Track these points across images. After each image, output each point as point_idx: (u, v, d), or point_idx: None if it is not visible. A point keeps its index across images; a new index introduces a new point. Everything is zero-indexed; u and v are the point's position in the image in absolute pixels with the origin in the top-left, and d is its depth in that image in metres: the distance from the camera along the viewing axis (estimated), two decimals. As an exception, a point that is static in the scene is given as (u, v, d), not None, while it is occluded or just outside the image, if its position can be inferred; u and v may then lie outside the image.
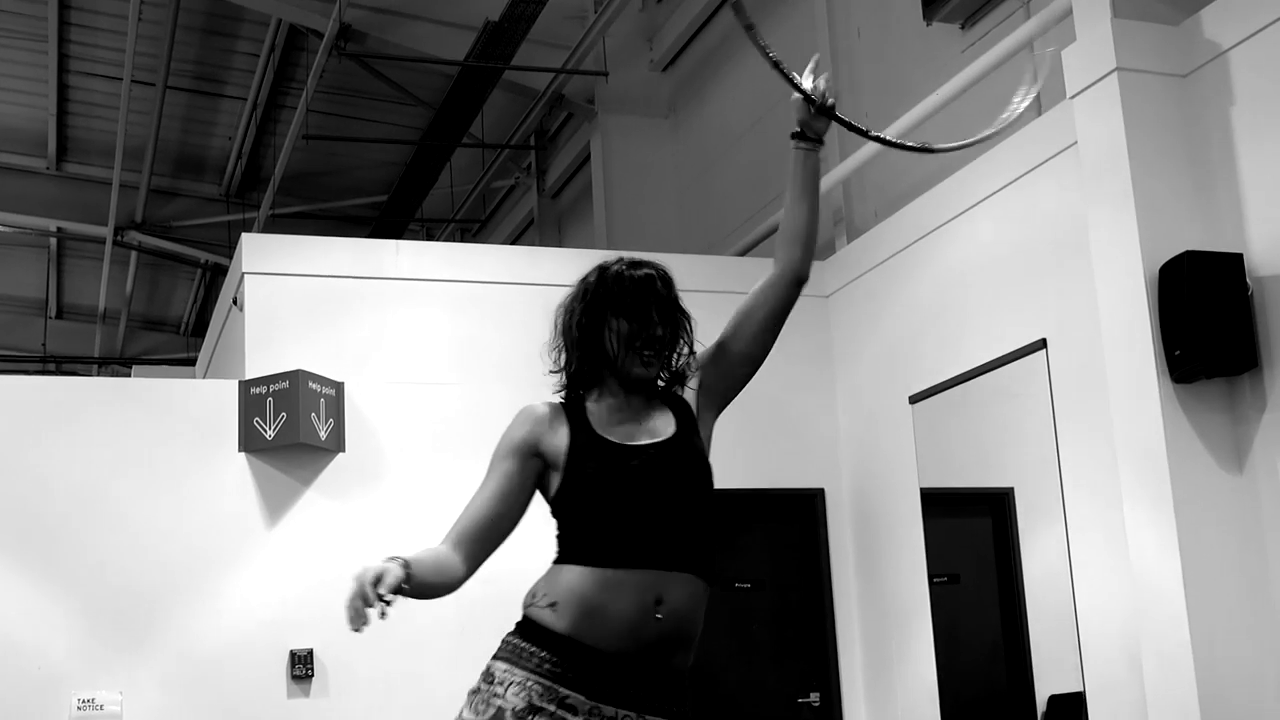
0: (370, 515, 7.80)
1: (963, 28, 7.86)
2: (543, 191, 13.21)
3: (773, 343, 3.35)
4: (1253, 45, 5.79)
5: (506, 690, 2.89)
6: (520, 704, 2.84)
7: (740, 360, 3.33)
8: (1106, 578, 6.38)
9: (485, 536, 3.11)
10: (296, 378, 7.61)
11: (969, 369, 7.42)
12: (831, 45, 9.13)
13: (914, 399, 7.85)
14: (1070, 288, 6.58)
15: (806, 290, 9.05)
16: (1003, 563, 7.55)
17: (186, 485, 7.60)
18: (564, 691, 2.87)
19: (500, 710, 2.85)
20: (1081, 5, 6.19)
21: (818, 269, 8.72)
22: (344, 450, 7.83)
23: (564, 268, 8.75)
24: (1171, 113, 6.03)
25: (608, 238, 11.19)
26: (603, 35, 10.52)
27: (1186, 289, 5.66)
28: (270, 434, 7.62)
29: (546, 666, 2.88)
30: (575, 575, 2.95)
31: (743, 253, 9.40)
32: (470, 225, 14.95)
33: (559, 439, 3.13)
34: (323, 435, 7.71)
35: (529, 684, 2.88)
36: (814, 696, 8.36)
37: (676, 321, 3.22)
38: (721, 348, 3.31)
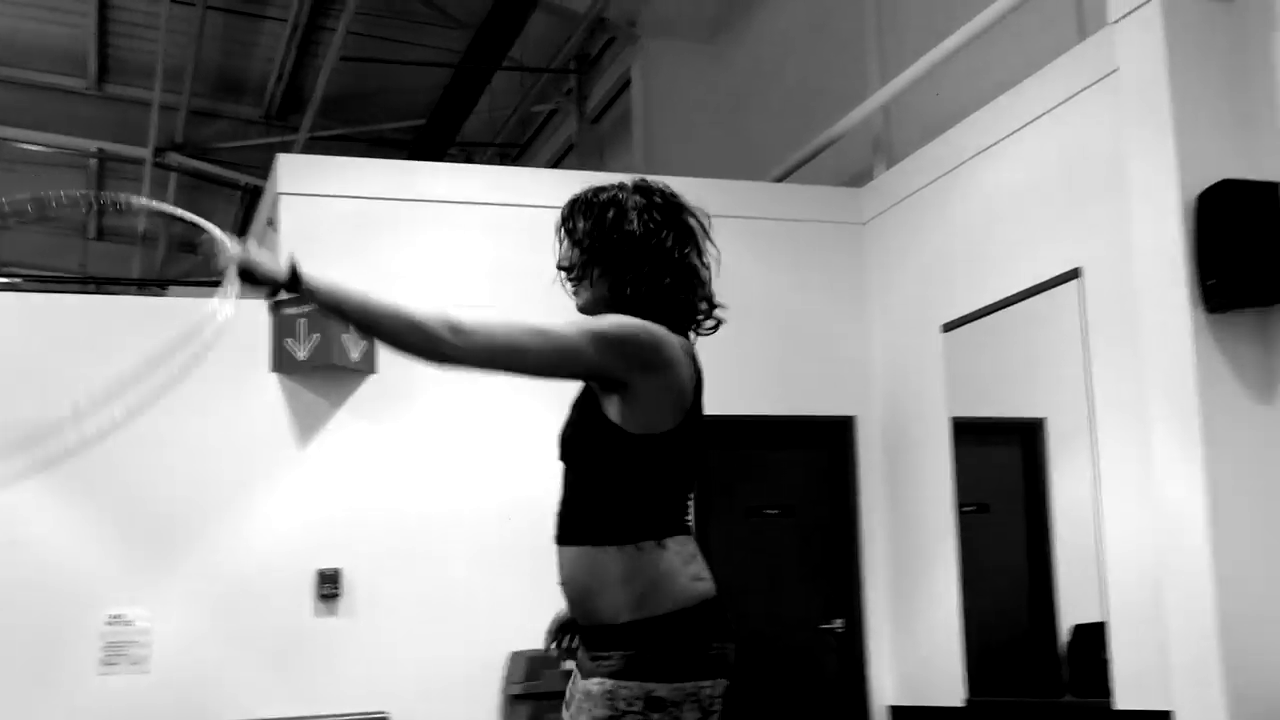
0: (401, 437, 7.84)
1: (1006, -47, 7.77)
2: (583, 116, 13.13)
3: None
4: (1297, -30, 5.73)
5: None
6: None
7: None
8: (1133, 508, 6.38)
9: None
10: (329, 298, 7.62)
11: (1002, 298, 7.40)
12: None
13: (946, 327, 7.84)
14: (1106, 217, 6.55)
15: (841, 217, 9.19)
16: (1032, 493, 7.55)
17: (217, 405, 7.63)
18: None
19: None
20: (1124, -72, 6.13)
21: (854, 195, 8.78)
22: (376, 372, 7.85)
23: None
24: (1215, 39, 5.98)
25: (646, 164, 11.14)
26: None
27: (1223, 218, 5.63)
28: (302, 355, 7.65)
29: None
30: None
31: (780, 178, 9.35)
32: (510, 150, 14.91)
33: None
34: (355, 356, 7.74)
35: None
36: (838, 622, 8.40)
37: (575, 237, 3.08)
38: None
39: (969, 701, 7.64)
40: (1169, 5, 5.90)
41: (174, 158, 14.05)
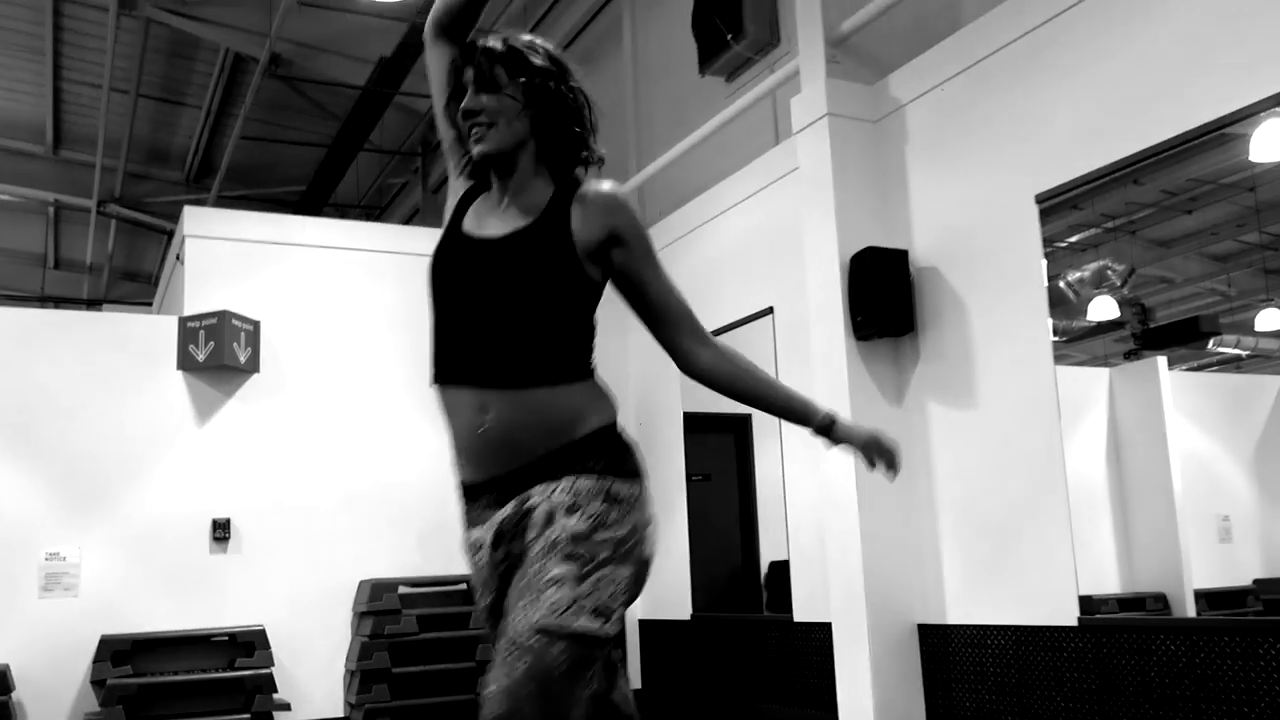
0: (278, 420, 7.67)
1: (727, 80, 7.89)
2: (426, 188, 13.01)
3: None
4: (923, 102, 5.92)
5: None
6: (470, 538, 2.19)
7: (631, 300, 2.30)
8: (806, 480, 6.52)
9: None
10: (223, 315, 7.43)
11: (720, 326, 7.46)
12: (635, 90, 9.12)
13: (681, 348, 7.90)
14: (790, 271, 6.69)
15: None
16: (741, 467, 7.66)
17: (136, 394, 7.40)
18: (465, 507, 2.21)
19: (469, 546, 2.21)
20: (806, 66, 6.26)
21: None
22: (259, 371, 7.67)
23: (434, 244, 8.71)
24: (865, 147, 6.14)
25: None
26: (470, 73, 10.38)
27: (867, 274, 5.78)
28: (201, 357, 7.43)
29: (460, 493, 2.24)
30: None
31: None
32: (373, 210, 14.65)
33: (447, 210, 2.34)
34: (243, 359, 7.54)
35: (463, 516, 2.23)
36: (602, 561, 8.41)
37: (503, 87, 2.17)
38: (640, 286, 2.26)
39: (694, 615, 7.73)
40: (834, 123, 6.06)
41: (113, 208, 13.51)
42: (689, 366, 2.26)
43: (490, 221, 2.20)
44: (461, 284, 2.15)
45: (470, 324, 2.12)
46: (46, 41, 10.74)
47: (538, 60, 2.20)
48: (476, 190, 2.30)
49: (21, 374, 7.22)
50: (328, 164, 11.86)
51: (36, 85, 11.66)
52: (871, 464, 2.31)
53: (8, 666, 6.71)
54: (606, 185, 2.21)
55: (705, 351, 2.24)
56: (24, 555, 7.00)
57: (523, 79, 2.17)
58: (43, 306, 15.23)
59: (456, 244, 2.21)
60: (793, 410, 2.28)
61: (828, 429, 2.28)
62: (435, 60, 2.32)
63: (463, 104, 2.18)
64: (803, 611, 6.55)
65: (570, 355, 2.17)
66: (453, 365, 2.13)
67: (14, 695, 6.71)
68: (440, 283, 2.19)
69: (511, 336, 2.10)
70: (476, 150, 2.18)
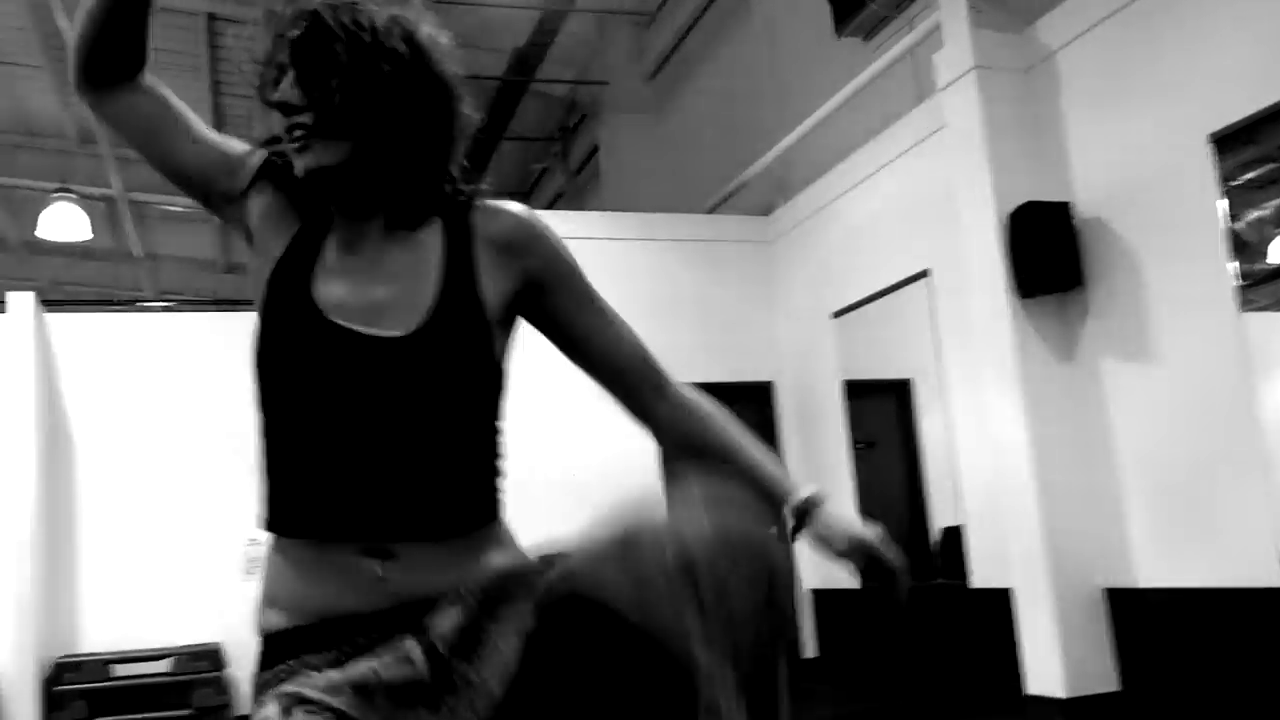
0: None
1: (865, 40, 7.58)
2: (567, 171, 12.96)
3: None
4: (1074, 47, 5.58)
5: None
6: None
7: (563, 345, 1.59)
8: (976, 441, 6.26)
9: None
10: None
11: (874, 292, 7.26)
12: (771, 56, 8.86)
13: (835, 315, 7.69)
14: (944, 232, 6.40)
15: (754, 238, 8.85)
16: (905, 432, 7.43)
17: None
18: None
19: None
20: (948, 18, 5.96)
21: (763, 222, 8.58)
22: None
23: (581, 226, 8.62)
24: (1016, 99, 5.83)
25: (613, 203, 11.00)
26: (604, 55, 10.26)
27: (1028, 229, 5.50)
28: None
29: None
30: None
31: (710, 210, 9.18)
32: (517, 196, 14.68)
33: (277, 236, 1.54)
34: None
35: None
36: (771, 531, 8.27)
37: (321, 82, 1.42)
38: (578, 338, 1.56)
39: (864, 584, 7.51)
40: (982, 75, 5.75)
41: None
42: (645, 424, 1.64)
43: (358, 278, 1.48)
44: (340, 397, 1.41)
45: (362, 455, 1.40)
46: (203, 59, 11.00)
47: (370, 44, 1.41)
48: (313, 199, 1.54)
49: (205, 374, 7.50)
50: (472, 155, 11.87)
51: (196, 103, 11.95)
52: (864, 575, 1.58)
53: (220, 645, 7.02)
54: (514, 207, 1.56)
55: (661, 405, 1.61)
56: (229, 541, 7.37)
57: (341, 77, 1.41)
58: (218, 310, 15.71)
59: (320, 333, 1.43)
60: (761, 478, 1.59)
61: (803, 515, 1.57)
62: (121, 113, 1.53)
63: (275, 93, 1.47)
64: (981, 577, 6.30)
65: (493, 485, 1.50)
66: (333, 513, 1.41)
67: (226, 672, 7.13)
68: (298, 390, 1.44)
69: (428, 474, 1.42)
70: (304, 163, 1.46)
